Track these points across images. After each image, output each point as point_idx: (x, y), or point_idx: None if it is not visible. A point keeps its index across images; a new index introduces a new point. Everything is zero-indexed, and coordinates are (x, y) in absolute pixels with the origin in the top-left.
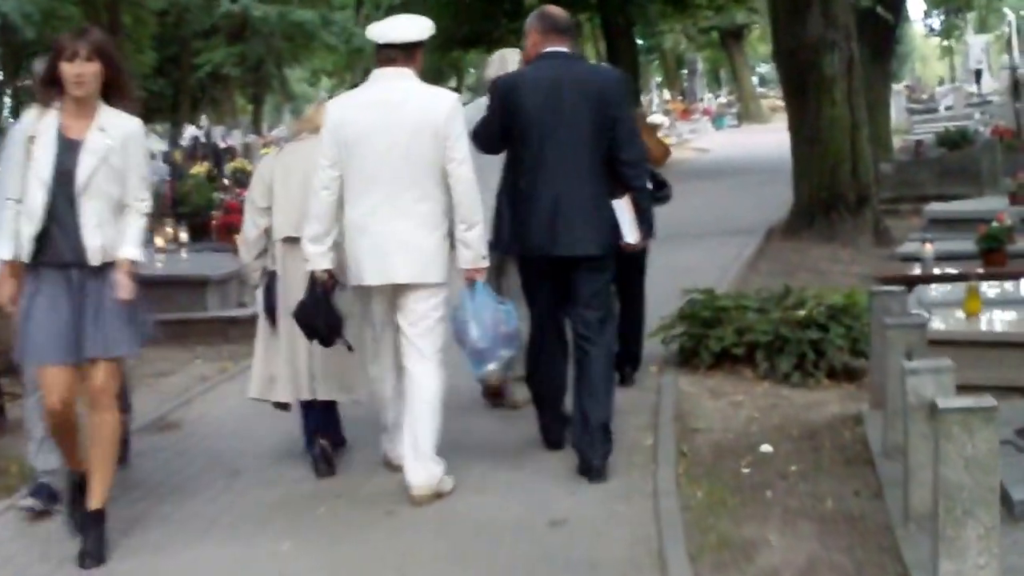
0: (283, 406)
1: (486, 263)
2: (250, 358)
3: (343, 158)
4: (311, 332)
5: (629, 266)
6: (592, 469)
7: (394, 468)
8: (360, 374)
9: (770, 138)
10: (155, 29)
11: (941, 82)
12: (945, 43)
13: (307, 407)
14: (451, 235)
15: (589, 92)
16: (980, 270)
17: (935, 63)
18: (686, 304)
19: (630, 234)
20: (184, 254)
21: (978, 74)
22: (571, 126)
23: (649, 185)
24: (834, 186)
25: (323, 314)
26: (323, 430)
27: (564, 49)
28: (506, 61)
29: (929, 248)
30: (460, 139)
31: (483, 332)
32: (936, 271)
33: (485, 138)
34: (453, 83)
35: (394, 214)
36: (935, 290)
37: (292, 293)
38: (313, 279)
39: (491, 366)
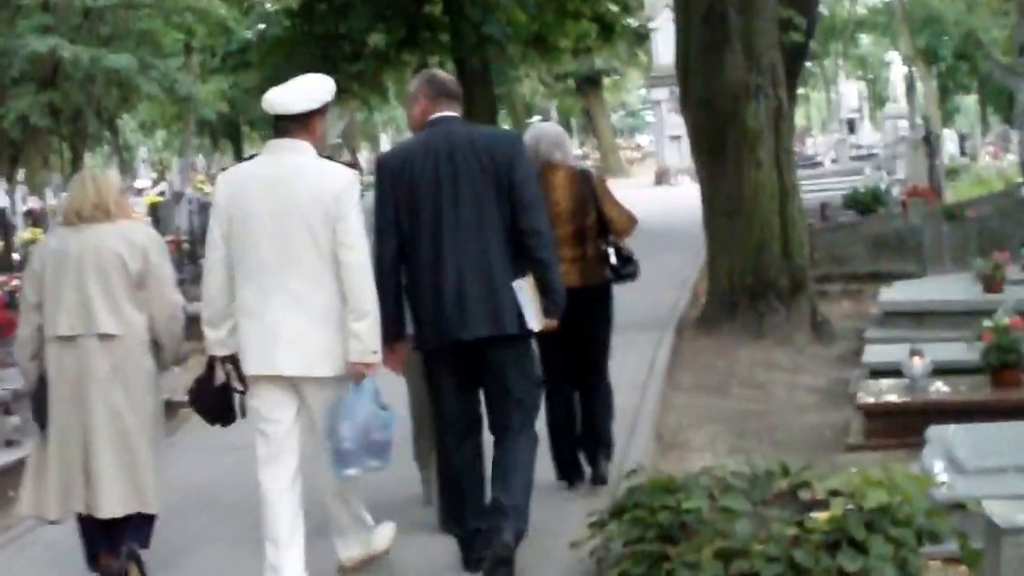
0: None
1: (377, 359)
2: None
3: (230, 238)
4: (204, 415)
5: (587, 344)
6: (498, 544)
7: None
8: (156, 482)
9: (641, 196)
10: None
11: (807, 132)
12: (800, 91)
13: (86, 523)
14: None
15: (486, 157)
16: (991, 392)
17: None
18: (625, 495)
19: (532, 319)
20: None
21: (851, 123)
22: (469, 196)
23: (613, 260)
24: (761, 269)
25: (215, 396)
26: (120, 543)
27: (455, 114)
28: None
29: (919, 363)
30: (350, 221)
31: (353, 432)
32: (930, 387)
33: (382, 228)
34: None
35: (283, 300)
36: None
37: (62, 400)
38: (210, 366)
39: (353, 471)
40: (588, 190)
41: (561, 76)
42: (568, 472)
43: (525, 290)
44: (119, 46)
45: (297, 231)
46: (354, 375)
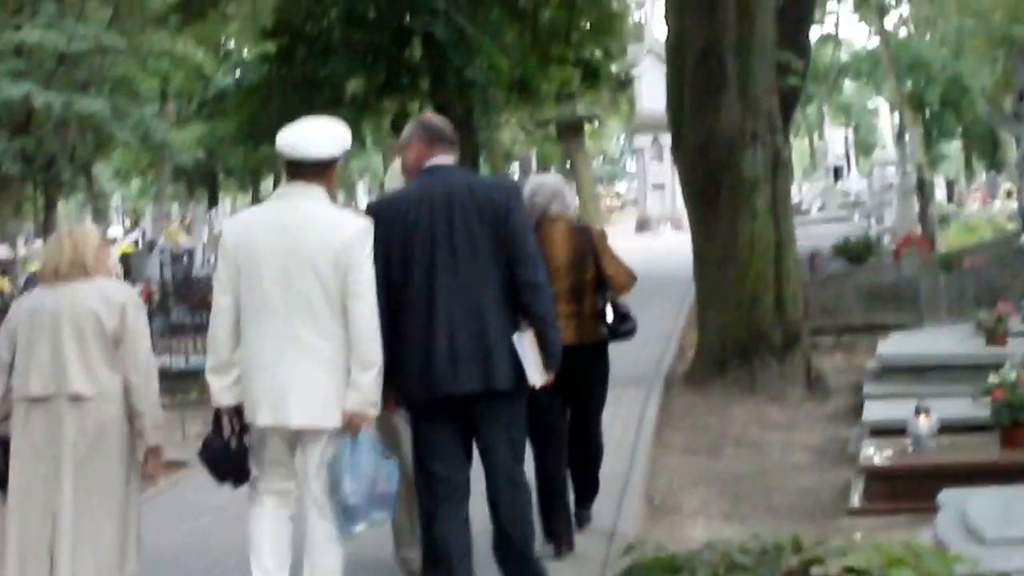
0: None
1: (375, 412)
2: None
3: (238, 284)
4: (214, 472)
5: (581, 402)
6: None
7: None
8: (125, 559)
9: (623, 244)
10: None
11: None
12: None
13: None
14: None
15: (483, 207)
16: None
17: None
18: (625, 572)
19: (532, 374)
20: None
21: (836, 170)
22: (466, 247)
23: (610, 318)
24: (754, 323)
25: (226, 453)
26: None
27: (451, 161)
28: (396, 177)
29: (926, 421)
30: (362, 272)
31: (357, 487)
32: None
33: (378, 280)
34: (271, 182)
35: (291, 350)
36: None
37: (26, 466)
38: (217, 417)
39: (359, 527)
40: (587, 245)
41: (542, 123)
42: (557, 537)
43: (526, 343)
44: (95, 92)
45: (307, 279)
46: (352, 427)
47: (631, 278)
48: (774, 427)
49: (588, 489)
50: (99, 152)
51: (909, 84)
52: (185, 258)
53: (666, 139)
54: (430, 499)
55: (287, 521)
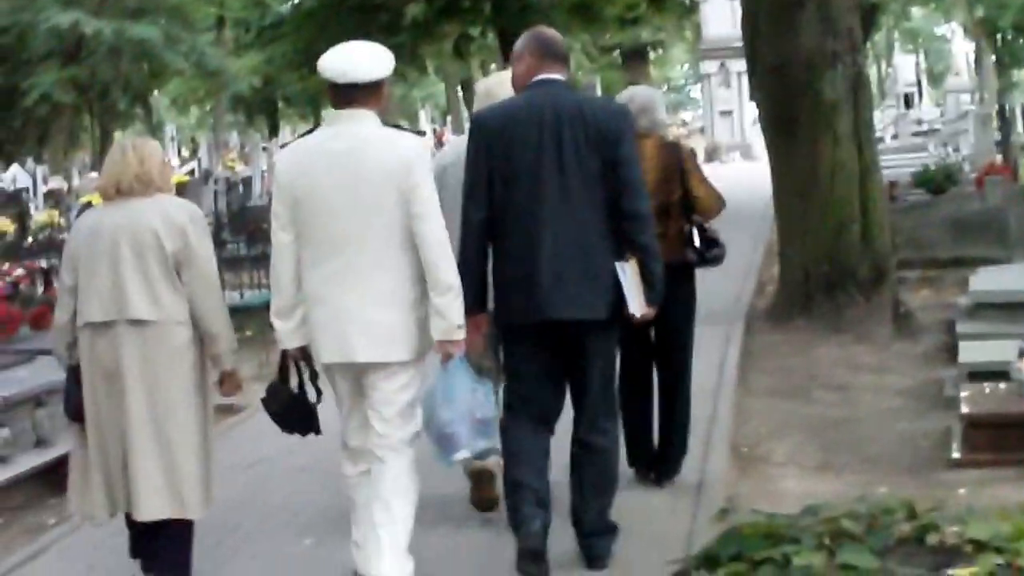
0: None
1: (461, 334)
2: None
3: (296, 218)
4: (281, 423)
5: (665, 327)
6: (594, 558)
7: None
8: (201, 485)
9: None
10: None
11: None
12: None
13: (133, 523)
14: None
15: (592, 128)
16: None
17: None
18: (719, 541)
19: (634, 303)
20: None
21: (906, 98)
22: (573, 167)
23: (697, 241)
24: (839, 256)
25: (293, 401)
26: (157, 556)
27: (562, 77)
28: (492, 94)
29: None
30: (424, 192)
31: (453, 415)
32: None
33: (474, 191)
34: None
35: (353, 282)
36: None
37: (96, 392)
38: (283, 361)
39: (459, 456)
40: (675, 164)
41: (606, 49)
42: (643, 461)
43: (629, 273)
44: (147, 20)
45: (366, 206)
46: (442, 354)
47: (720, 202)
48: (863, 369)
49: (675, 433)
50: (154, 81)
51: (981, 10)
52: (241, 187)
53: (733, 65)
54: (512, 425)
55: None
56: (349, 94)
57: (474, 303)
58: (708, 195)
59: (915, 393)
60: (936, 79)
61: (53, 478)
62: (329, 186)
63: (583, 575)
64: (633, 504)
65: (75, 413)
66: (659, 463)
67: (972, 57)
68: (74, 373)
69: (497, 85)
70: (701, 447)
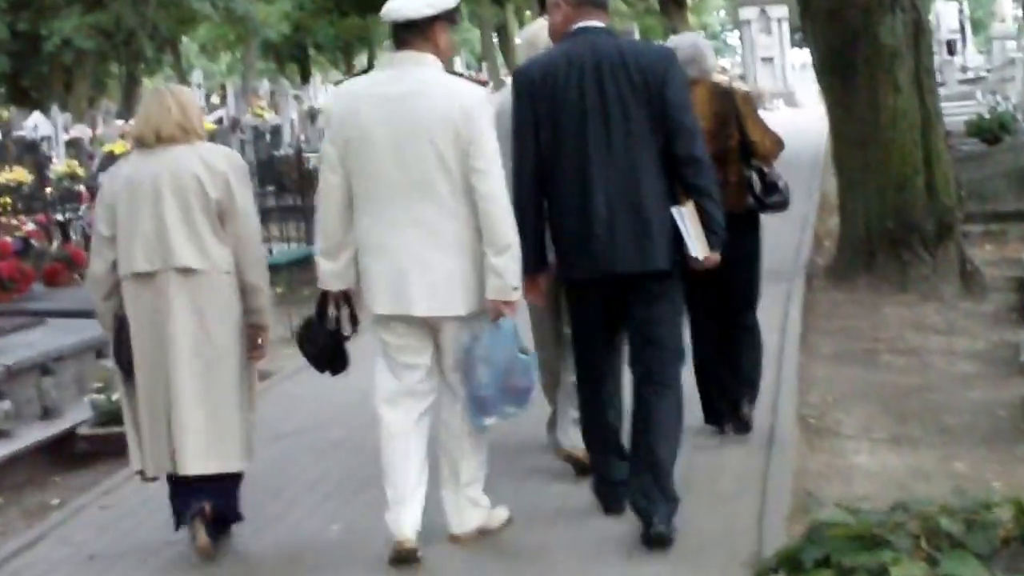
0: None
1: (517, 295)
2: None
3: (347, 160)
4: (314, 361)
5: (730, 278)
6: (652, 536)
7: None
8: (244, 438)
9: None
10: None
11: None
12: None
13: (176, 482)
14: None
15: (636, 74)
16: None
17: None
18: (804, 544)
19: (695, 247)
20: None
21: (949, 45)
22: (619, 116)
23: (757, 187)
24: (903, 210)
25: (330, 341)
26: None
27: (601, 24)
28: (533, 43)
29: None
30: (484, 144)
31: (492, 378)
32: None
33: (522, 146)
34: (364, 59)
35: (410, 232)
36: None
37: (143, 343)
38: (323, 301)
39: (489, 420)
40: (730, 109)
41: None
42: (718, 415)
43: (686, 216)
44: None
45: (424, 153)
46: (492, 314)
47: (778, 144)
48: (932, 330)
49: (744, 386)
50: (182, 27)
51: None
52: (270, 136)
53: (774, 11)
54: (582, 380)
55: (420, 432)
56: (402, 34)
57: (533, 259)
58: (766, 138)
59: (988, 357)
60: (977, 26)
61: (59, 453)
62: (383, 130)
63: (643, 558)
64: (698, 486)
65: (126, 365)
66: (733, 410)
67: (1017, 3)
68: (121, 324)
69: (538, 34)
70: (767, 416)
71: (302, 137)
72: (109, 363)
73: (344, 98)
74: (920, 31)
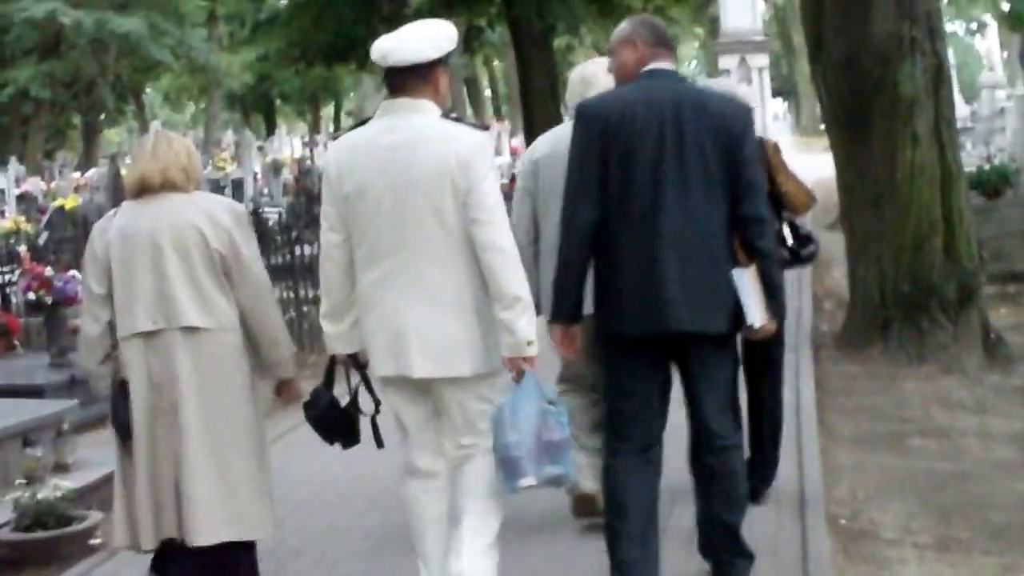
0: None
1: (532, 350)
2: None
3: (347, 218)
4: (324, 433)
5: (760, 351)
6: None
7: None
8: (261, 502)
9: None
10: None
11: None
12: None
13: (172, 552)
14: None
15: (713, 126)
16: None
17: None
18: None
19: (753, 313)
20: None
21: None
22: (697, 165)
23: (789, 240)
24: (920, 273)
25: (333, 409)
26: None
27: (673, 67)
28: (590, 82)
29: None
30: (484, 193)
31: (519, 437)
32: None
33: (583, 188)
34: (331, 109)
35: (408, 289)
36: None
37: (149, 408)
38: (330, 367)
39: (525, 482)
40: (762, 159)
41: None
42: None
43: (747, 279)
44: (132, 13)
45: (419, 208)
46: (515, 373)
47: (810, 198)
48: (960, 408)
49: (763, 463)
50: (144, 76)
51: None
52: (228, 190)
53: (754, 60)
54: (617, 440)
55: (443, 496)
56: (397, 80)
57: (572, 313)
58: (797, 190)
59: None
60: (961, 75)
61: None
62: (380, 183)
63: None
64: None
65: (125, 431)
66: (752, 480)
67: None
68: (121, 388)
69: (596, 72)
70: (795, 523)
71: (265, 191)
72: (38, 452)
73: (343, 152)
74: (941, 79)
